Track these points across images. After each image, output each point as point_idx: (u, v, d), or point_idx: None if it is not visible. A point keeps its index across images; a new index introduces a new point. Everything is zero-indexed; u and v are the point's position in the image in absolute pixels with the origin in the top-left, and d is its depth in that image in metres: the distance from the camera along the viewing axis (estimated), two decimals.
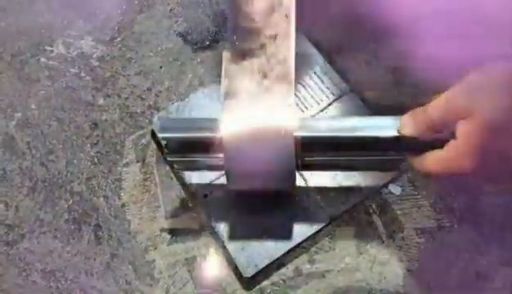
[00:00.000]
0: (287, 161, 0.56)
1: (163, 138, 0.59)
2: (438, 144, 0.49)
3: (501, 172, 0.48)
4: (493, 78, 0.46)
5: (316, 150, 0.56)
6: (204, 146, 0.58)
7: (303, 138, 0.55)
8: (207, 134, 0.58)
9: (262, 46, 0.59)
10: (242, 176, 0.59)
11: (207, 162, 0.62)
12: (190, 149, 0.60)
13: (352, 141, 0.55)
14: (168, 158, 0.62)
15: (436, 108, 0.49)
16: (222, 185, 0.67)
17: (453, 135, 0.48)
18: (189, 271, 0.66)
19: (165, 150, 0.60)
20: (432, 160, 0.50)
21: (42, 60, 0.81)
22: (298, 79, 0.75)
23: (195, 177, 0.69)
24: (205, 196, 0.68)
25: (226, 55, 0.59)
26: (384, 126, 0.54)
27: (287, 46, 0.58)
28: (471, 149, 0.46)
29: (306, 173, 0.68)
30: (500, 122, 0.45)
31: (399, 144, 0.53)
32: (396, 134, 0.53)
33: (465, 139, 0.46)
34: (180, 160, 0.62)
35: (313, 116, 0.72)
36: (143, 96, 0.78)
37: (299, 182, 0.68)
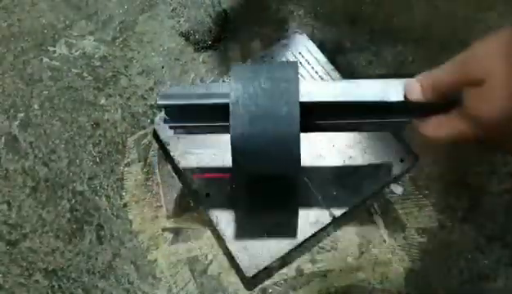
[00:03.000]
0: (292, 133, 0.54)
1: (165, 105, 0.58)
2: (444, 107, 0.49)
3: (508, 137, 0.46)
4: (504, 43, 0.44)
5: (320, 115, 0.56)
6: (208, 113, 0.57)
7: (308, 104, 0.54)
8: (213, 101, 0.56)
9: None
10: (248, 153, 0.57)
11: (210, 128, 0.61)
12: (194, 116, 0.59)
13: (357, 106, 0.54)
14: (169, 125, 0.61)
15: (444, 74, 0.48)
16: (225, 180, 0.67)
17: (460, 101, 0.47)
18: (191, 270, 0.66)
19: (165, 117, 0.59)
20: (437, 124, 0.50)
21: (45, 60, 0.81)
22: (300, 79, 0.75)
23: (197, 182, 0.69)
24: (207, 195, 0.68)
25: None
26: (391, 91, 0.53)
27: None
28: (478, 116, 0.45)
29: (308, 173, 0.68)
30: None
31: (405, 108, 0.52)
32: (402, 99, 0.52)
33: (474, 103, 0.45)
34: (181, 126, 0.61)
35: None
36: (145, 96, 0.78)
37: (302, 182, 0.68)
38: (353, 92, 0.54)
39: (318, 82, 0.56)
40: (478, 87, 0.45)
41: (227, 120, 0.55)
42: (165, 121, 0.60)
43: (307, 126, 0.56)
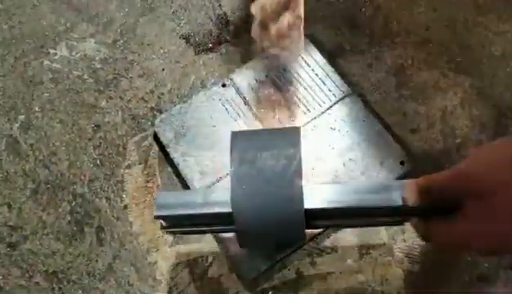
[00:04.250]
0: (297, 229, 0.56)
1: (162, 216, 0.57)
2: (445, 211, 0.47)
3: (506, 248, 0.45)
4: (502, 155, 0.43)
5: (322, 217, 0.57)
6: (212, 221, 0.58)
7: (311, 210, 0.55)
8: (213, 210, 0.56)
9: None
10: (252, 243, 0.60)
11: (209, 231, 0.62)
12: (193, 223, 0.59)
13: (357, 210, 0.55)
14: (167, 232, 0.60)
15: (444, 183, 0.46)
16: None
17: (458, 206, 0.45)
18: (191, 273, 0.66)
19: (162, 223, 0.58)
20: (437, 231, 0.48)
21: (46, 62, 0.82)
22: (300, 81, 0.76)
23: (197, 181, 0.69)
24: None
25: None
26: (390, 194, 0.53)
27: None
28: (479, 229, 0.44)
29: (308, 174, 0.68)
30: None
31: (404, 211, 0.52)
32: (400, 203, 0.52)
33: (474, 218, 0.44)
34: (180, 231, 0.61)
35: (315, 118, 0.73)
36: (145, 98, 0.78)
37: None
38: (353, 197, 0.55)
39: (321, 186, 0.57)
40: (479, 200, 0.43)
41: (228, 225, 0.56)
42: (162, 227, 0.59)
43: (308, 226, 0.57)
